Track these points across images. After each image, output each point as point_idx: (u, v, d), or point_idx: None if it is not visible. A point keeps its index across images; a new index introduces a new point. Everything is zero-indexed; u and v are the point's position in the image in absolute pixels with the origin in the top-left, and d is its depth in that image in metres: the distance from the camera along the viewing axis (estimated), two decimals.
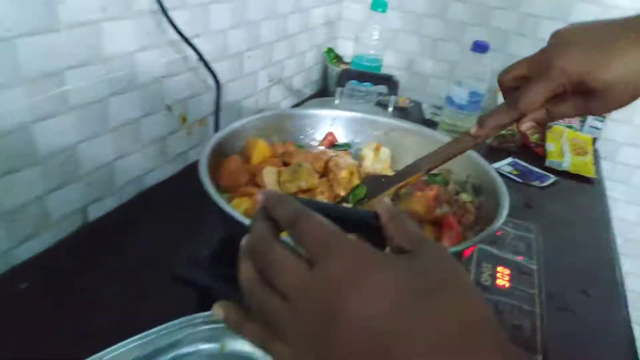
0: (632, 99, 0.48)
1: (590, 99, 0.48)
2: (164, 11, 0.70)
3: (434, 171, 0.75)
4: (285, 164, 0.73)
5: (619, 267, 0.82)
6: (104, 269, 0.66)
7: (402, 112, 1.34)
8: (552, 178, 1.07)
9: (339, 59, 1.39)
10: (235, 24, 0.95)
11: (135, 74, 0.75)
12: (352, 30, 1.31)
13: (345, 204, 0.64)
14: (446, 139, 0.77)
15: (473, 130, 0.55)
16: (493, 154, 1.16)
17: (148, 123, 0.80)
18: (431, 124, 1.18)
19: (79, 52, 0.64)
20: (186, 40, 0.75)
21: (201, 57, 0.78)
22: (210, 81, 0.93)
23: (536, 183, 1.04)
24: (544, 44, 0.52)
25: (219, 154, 0.70)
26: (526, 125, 0.52)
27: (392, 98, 0.82)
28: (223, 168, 0.67)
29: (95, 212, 0.76)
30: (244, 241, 0.33)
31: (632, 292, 0.83)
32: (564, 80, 0.47)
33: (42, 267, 0.65)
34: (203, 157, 0.60)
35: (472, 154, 0.73)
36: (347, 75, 0.81)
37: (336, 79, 0.81)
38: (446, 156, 0.60)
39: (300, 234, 0.30)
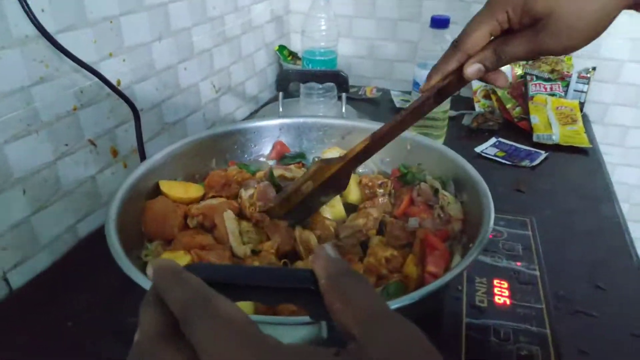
0: (587, 31, 0.41)
1: (539, 32, 0.42)
2: (46, 36, 0.58)
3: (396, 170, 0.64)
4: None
5: (634, 248, 0.71)
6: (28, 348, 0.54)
7: (370, 103, 1.22)
8: (543, 154, 0.96)
9: (294, 55, 1.27)
10: (159, 35, 0.83)
11: (35, 111, 0.62)
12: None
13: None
14: (410, 133, 0.66)
15: (422, 87, 0.49)
16: (474, 136, 1.05)
17: (66, 165, 0.68)
18: None
19: None
20: (82, 64, 0.63)
21: (105, 82, 0.65)
22: (142, 102, 0.81)
23: (526, 163, 0.93)
24: None
25: (148, 195, 0.58)
26: (472, 69, 0.45)
27: (344, 96, 0.70)
28: (147, 212, 0.55)
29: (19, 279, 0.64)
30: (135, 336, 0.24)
31: None
32: (506, 8, 0.43)
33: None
34: (112, 209, 0.49)
35: (441, 148, 0.62)
36: (287, 77, 0.69)
37: (275, 84, 0.69)
38: (398, 122, 0.50)
39: (198, 339, 0.21)
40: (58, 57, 0.64)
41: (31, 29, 0.59)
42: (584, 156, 0.98)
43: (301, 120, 0.69)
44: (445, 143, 1.01)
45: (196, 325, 0.21)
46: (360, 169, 0.69)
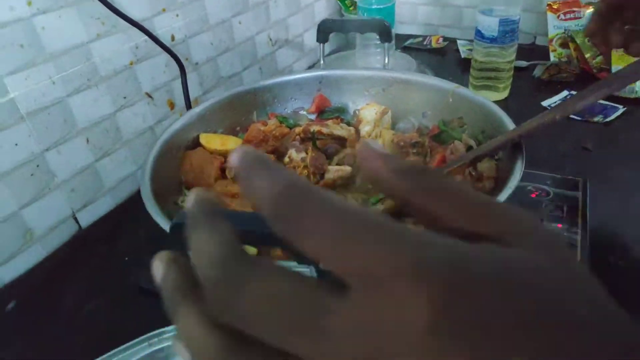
0: None
1: None
2: None
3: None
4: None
5: None
6: (90, 282, 0.62)
7: (435, 54, 1.17)
8: (620, 109, 0.87)
9: (356, 5, 1.23)
10: None
11: (94, 66, 0.68)
12: None
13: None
14: (451, 85, 0.63)
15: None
16: (544, 88, 0.97)
17: (125, 117, 0.74)
18: (469, 64, 1.00)
19: (14, 55, 0.58)
20: (131, 21, 0.66)
21: (153, 38, 0.68)
22: (197, 57, 0.85)
23: (599, 118, 0.85)
24: None
25: (189, 146, 0.62)
26: None
27: (386, 46, 0.68)
28: (185, 162, 0.59)
29: (86, 218, 0.72)
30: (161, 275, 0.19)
31: None
32: None
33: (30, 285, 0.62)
34: (149, 159, 0.53)
35: (482, 100, 0.58)
36: (327, 28, 0.68)
37: (317, 35, 0.68)
38: (500, 141, 0.47)
39: (312, 234, 0.15)
40: (113, 14, 0.68)
41: None
42: None
43: (340, 72, 0.68)
44: (509, 96, 0.94)
45: (307, 217, 0.15)
46: (400, 124, 0.68)
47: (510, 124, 0.53)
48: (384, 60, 0.69)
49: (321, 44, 0.70)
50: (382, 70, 0.67)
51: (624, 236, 0.58)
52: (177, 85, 0.81)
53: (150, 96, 0.77)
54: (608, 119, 0.85)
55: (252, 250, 0.45)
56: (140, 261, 0.64)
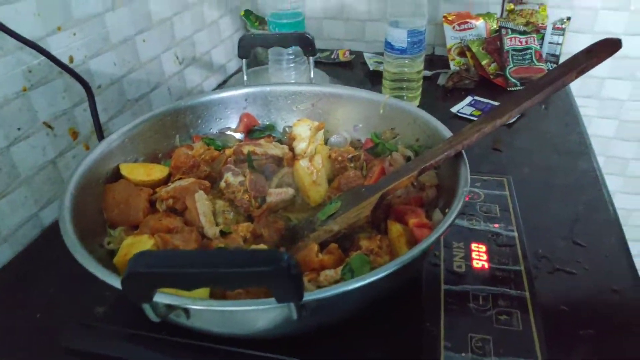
0: None
1: None
2: None
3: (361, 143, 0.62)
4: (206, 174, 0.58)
5: (612, 202, 0.70)
6: None
7: (344, 67, 1.19)
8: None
9: (261, 20, 1.21)
10: (112, 5, 0.78)
11: None
12: None
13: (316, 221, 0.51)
14: (383, 96, 0.63)
15: None
16: (450, 96, 1.03)
17: (21, 151, 0.64)
18: (377, 76, 1.03)
19: None
20: (24, 41, 0.58)
21: (52, 59, 0.61)
22: (99, 79, 0.77)
23: None
24: None
25: (108, 179, 0.55)
26: None
27: (311, 59, 0.67)
28: (107, 196, 0.52)
29: None
30: None
31: (621, 210, 0.73)
32: None
33: None
34: (66, 197, 0.46)
35: (414, 110, 0.59)
36: (249, 43, 0.65)
37: (238, 50, 0.65)
38: (445, 150, 0.48)
39: None
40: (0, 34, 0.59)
41: None
42: (560, 110, 0.96)
43: (267, 88, 0.66)
44: (420, 105, 0.98)
45: None
46: (332, 138, 0.67)
47: (445, 131, 0.54)
48: (310, 74, 0.68)
49: (244, 60, 0.67)
50: (311, 84, 0.66)
51: (550, 228, 0.62)
52: (80, 112, 0.73)
53: (49, 126, 0.68)
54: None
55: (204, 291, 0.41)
56: (58, 316, 0.55)
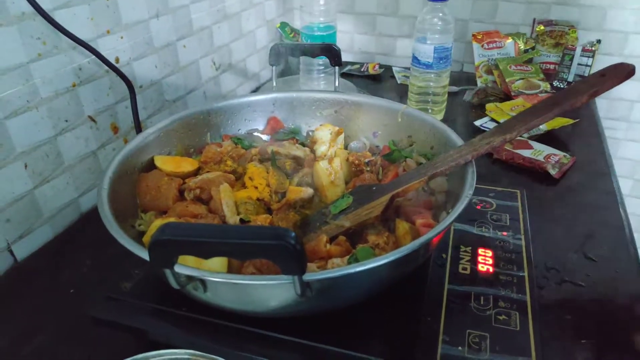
0: None
1: None
2: (41, 13, 0.59)
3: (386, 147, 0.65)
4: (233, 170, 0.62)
5: (628, 222, 0.71)
6: (30, 317, 0.57)
7: (373, 80, 1.22)
8: (543, 128, 0.95)
9: (296, 32, 1.27)
10: (157, 12, 0.84)
11: (34, 88, 0.64)
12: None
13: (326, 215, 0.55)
14: (402, 105, 0.67)
15: None
16: (474, 111, 1.05)
17: (67, 141, 0.70)
18: (405, 89, 1.06)
19: None
20: (78, 41, 0.64)
21: (101, 58, 0.67)
22: (141, 79, 0.83)
23: (525, 136, 0.93)
24: None
25: (143, 169, 0.60)
26: None
27: (336, 69, 0.71)
28: (141, 184, 0.57)
29: (23, 250, 0.67)
30: None
31: None
32: None
33: None
34: (104, 181, 0.51)
35: (430, 119, 0.62)
36: (279, 52, 0.70)
37: (269, 58, 0.70)
38: (455, 160, 0.50)
39: None
40: (55, 34, 0.65)
41: (27, 6, 0.61)
42: (586, 128, 0.97)
43: (294, 94, 0.70)
44: (444, 118, 1.01)
45: None
46: (352, 143, 0.70)
47: (457, 140, 0.57)
48: (335, 82, 0.72)
49: (273, 67, 0.71)
50: (334, 92, 0.70)
51: (562, 241, 0.64)
52: (121, 108, 0.79)
53: (93, 120, 0.74)
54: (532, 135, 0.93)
55: (222, 265, 0.45)
56: (89, 292, 0.60)
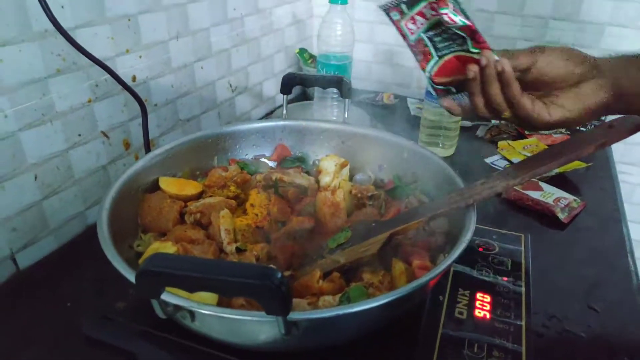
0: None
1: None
2: (61, 32, 0.61)
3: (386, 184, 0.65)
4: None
5: (636, 271, 0.69)
6: (26, 330, 0.57)
7: (386, 110, 1.23)
8: (554, 170, 0.94)
9: (314, 59, 1.29)
10: (177, 34, 0.86)
11: (51, 102, 0.66)
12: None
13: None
14: (409, 141, 0.67)
15: None
16: (486, 148, 1.04)
17: (78, 155, 0.72)
18: (417, 122, 1.06)
19: None
20: (93, 59, 0.66)
21: (115, 77, 0.68)
22: (157, 98, 0.84)
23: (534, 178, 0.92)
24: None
25: (147, 189, 0.61)
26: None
27: (346, 101, 0.71)
28: (144, 204, 0.58)
29: (26, 259, 0.67)
30: None
31: None
32: None
33: None
34: (107, 199, 0.51)
35: (435, 158, 0.62)
36: (291, 81, 0.71)
37: (280, 87, 0.71)
38: (456, 202, 0.50)
39: None
40: (75, 51, 0.67)
41: (50, 24, 0.63)
42: (599, 172, 0.95)
43: (303, 123, 0.71)
44: (455, 153, 1.00)
45: None
46: (357, 176, 0.70)
47: (460, 182, 0.57)
48: (344, 114, 0.72)
49: (284, 96, 0.72)
50: (343, 124, 0.70)
51: (565, 289, 0.62)
52: (134, 125, 0.80)
53: (106, 135, 0.76)
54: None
55: (212, 297, 0.45)
56: (85, 307, 0.60)
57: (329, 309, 0.37)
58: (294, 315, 0.35)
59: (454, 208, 0.51)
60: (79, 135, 0.71)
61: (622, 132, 0.51)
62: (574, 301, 0.61)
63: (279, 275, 0.32)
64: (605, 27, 1.09)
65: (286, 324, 0.34)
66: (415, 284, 0.40)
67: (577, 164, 0.93)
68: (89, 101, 0.72)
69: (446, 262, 0.43)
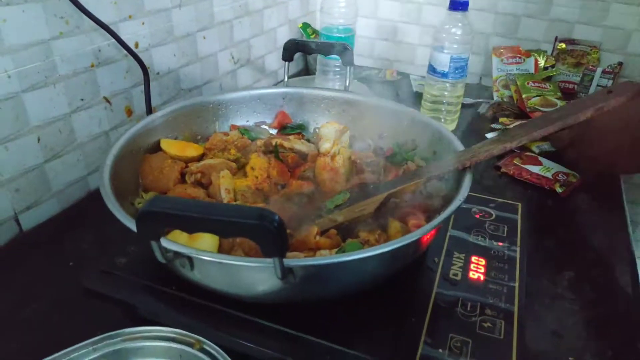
0: None
1: None
2: None
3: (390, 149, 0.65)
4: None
5: (630, 245, 0.69)
6: (27, 287, 0.59)
7: (389, 86, 1.23)
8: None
9: (317, 33, 1.28)
10: (179, 2, 0.86)
11: (54, 64, 0.66)
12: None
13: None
14: (409, 109, 0.67)
15: None
16: (487, 124, 1.04)
17: (81, 119, 0.72)
18: (419, 97, 1.06)
19: None
20: (99, 23, 0.66)
21: (120, 41, 0.68)
22: (159, 66, 0.85)
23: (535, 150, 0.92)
24: None
25: (149, 150, 0.62)
26: None
27: (348, 69, 0.71)
28: (145, 164, 0.58)
29: (29, 221, 0.68)
30: None
31: None
32: None
33: None
34: (108, 157, 0.52)
35: (435, 124, 0.62)
36: (292, 47, 0.71)
37: (282, 53, 0.71)
38: (453, 164, 0.51)
39: None
40: (78, 14, 0.67)
41: None
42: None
43: (303, 90, 0.71)
44: (456, 128, 1.01)
45: None
46: (357, 143, 0.71)
47: (459, 145, 0.57)
48: (346, 82, 0.73)
49: (286, 62, 0.73)
50: (344, 91, 0.70)
51: (554, 257, 0.63)
52: (137, 92, 0.81)
53: (108, 101, 0.76)
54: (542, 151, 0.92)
55: (213, 245, 0.45)
56: (86, 266, 0.61)
57: (324, 257, 0.37)
58: (289, 262, 0.36)
59: (451, 170, 0.51)
60: (82, 99, 0.72)
61: (621, 96, 0.51)
62: (567, 271, 0.62)
63: (276, 217, 0.33)
64: None
65: (282, 266, 0.35)
66: (409, 237, 0.41)
67: None
68: (92, 66, 0.72)
69: (441, 217, 0.43)
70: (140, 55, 0.78)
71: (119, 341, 0.44)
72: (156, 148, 0.63)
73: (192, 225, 0.33)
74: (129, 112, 0.81)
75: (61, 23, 0.66)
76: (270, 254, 0.34)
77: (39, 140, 0.67)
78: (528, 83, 1.10)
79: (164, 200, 0.34)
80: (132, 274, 0.52)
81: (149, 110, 0.73)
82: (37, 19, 0.63)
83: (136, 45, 0.79)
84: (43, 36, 0.64)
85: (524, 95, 1.06)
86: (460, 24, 0.92)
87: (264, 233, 0.32)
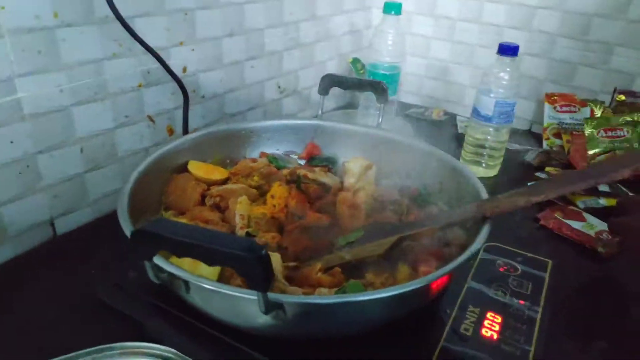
0: None
1: None
2: (119, 19, 0.65)
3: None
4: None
5: None
6: (51, 290, 0.61)
7: (435, 126, 1.21)
8: (602, 203, 0.88)
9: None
10: (231, 32, 0.90)
11: (104, 82, 0.71)
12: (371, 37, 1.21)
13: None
14: (440, 151, 0.65)
15: None
16: (532, 172, 0.99)
17: (123, 134, 0.76)
18: (462, 140, 1.04)
19: (30, 59, 0.61)
20: (147, 47, 0.70)
21: (164, 65, 0.72)
22: (205, 90, 0.88)
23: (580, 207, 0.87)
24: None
25: (177, 170, 0.64)
26: None
27: (382, 106, 0.71)
28: (171, 183, 0.60)
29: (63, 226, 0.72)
30: None
31: None
32: None
33: None
34: (134, 173, 0.55)
35: (465, 170, 0.60)
36: (328, 82, 0.72)
37: (318, 87, 0.72)
38: (474, 212, 0.49)
39: None
40: (131, 39, 0.72)
41: (110, 11, 0.68)
42: None
43: (335, 125, 0.71)
44: (498, 174, 0.97)
45: None
46: (384, 181, 0.70)
47: (484, 194, 0.55)
48: (378, 119, 0.72)
49: (322, 96, 0.74)
50: (374, 128, 0.70)
51: (580, 325, 0.58)
52: (179, 113, 0.84)
53: (151, 119, 0.80)
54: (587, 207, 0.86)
55: (213, 272, 0.46)
56: (105, 276, 0.64)
57: (311, 297, 0.37)
58: (274, 297, 0.35)
59: (470, 218, 0.49)
60: (126, 116, 0.76)
61: None
62: (599, 338, 0.57)
63: (263, 250, 0.32)
64: None
65: (266, 301, 0.35)
66: (409, 285, 0.39)
67: None
68: (140, 86, 0.77)
69: (446, 269, 0.41)
70: (188, 78, 0.82)
71: (117, 354, 0.45)
72: (185, 168, 0.65)
73: (180, 249, 0.34)
74: (170, 131, 0.85)
75: (115, 45, 0.71)
76: (254, 287, 0.34)
77: (82, 150, 0.71)
78: (599, 132, 1.01)
79: (161, 222, 0.35)
80: (139, 289, 0.53)
81: (185, 131, 0.76)
82: (93, 40, 0.68)
83: (184, 69, 0.83)
84: (97, 56, 0.69)
85: (590, 152, 0.97)
86: (508, 69, 0.89)
87: (248, 265, 0.32)
